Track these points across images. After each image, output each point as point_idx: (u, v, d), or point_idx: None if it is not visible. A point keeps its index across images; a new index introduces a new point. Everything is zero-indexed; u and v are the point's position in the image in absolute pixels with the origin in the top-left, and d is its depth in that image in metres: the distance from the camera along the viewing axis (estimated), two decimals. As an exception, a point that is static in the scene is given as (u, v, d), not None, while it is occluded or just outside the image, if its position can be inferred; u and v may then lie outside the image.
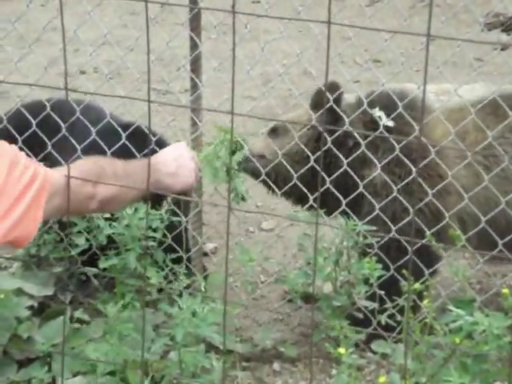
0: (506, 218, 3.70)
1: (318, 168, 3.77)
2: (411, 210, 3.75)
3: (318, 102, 3.90)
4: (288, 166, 3.86)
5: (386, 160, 3.79)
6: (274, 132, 4.01)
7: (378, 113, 3.83)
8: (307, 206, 3.94)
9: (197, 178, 3.09)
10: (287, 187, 3.91)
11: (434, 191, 3.69)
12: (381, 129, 3.76)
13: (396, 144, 3.72)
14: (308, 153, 3.83)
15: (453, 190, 3.76)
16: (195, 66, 4.03)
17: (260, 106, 5.96)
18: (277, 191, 3.98)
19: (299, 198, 3.99)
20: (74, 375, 3.30)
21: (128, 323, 3.19)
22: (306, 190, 3.89)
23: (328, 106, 3.78)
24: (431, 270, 3.75)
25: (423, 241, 3.53)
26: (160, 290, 3.72)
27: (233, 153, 3.73)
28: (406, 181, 3.77)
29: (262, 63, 6.91)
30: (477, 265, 3.87)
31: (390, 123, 3.80)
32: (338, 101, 3.83)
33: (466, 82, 4.00)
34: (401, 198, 3.76)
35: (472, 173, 3.74)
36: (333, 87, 3.82)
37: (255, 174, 3.98)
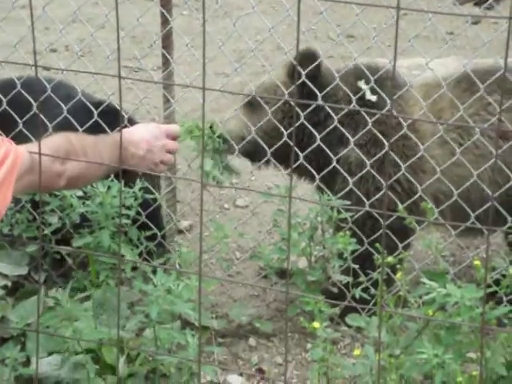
0: (480, 194, 3.72)
1: (291, 143, 3.76)
2: (384, 184, 3.76)
3: (293, 71, 3.84)
4: (264, 145, 3.84)
5: (356, 136, 3.77)
6: (249, 107, 3.95)
7: (363, 85, 3.80)
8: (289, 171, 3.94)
9: (168, 162, 3.01)
10: (263, 161, 3.89)
11: (404, 166, 3.70)
12: (353, 103, 3.76)
13: (371, 120, 3.72)
14: (282, 129, 3.81)
15: (428, 169, 3.76)
16: (167, 42, 4.00)
17: (233, 83, 5.94)
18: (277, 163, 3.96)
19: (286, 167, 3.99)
20: (49, 354, 3.30)
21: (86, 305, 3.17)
22: (280, 167, 3.90)
23: (303, 78, 3.72)
24: (404, 243, 3.77)
25: (396, 214, 3.55)
26: (134, 268, 3.71)
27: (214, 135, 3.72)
28: (377, 156, 3.77)
29: (235, 39, 6.88)
30: (450, 238, 3.90)
31: (374, 98, 3.77)
32: (316, 70, 3.76)
33: (439, 56, 4.00)
34: (377, 176, 3.76)
35: (448, 151, 3.74)
36: (310, 57, 3.75)
37: (243, 154, 3.94)
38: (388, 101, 3.70)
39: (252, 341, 3.84)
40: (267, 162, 3.94)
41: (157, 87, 4.22)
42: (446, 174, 3.71)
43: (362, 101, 3.77)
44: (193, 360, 3.08)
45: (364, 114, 3.72)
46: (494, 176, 3.70)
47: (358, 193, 3.78)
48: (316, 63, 3.74)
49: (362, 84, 3.77)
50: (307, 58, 3.74)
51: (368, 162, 3.73)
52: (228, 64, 6.54)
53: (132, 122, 3.95)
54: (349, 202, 3.73)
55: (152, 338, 3.20)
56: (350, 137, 3.76)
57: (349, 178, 3.77)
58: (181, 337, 3.17)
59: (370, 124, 3.72)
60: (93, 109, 3.91)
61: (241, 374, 3.63)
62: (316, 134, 3.79)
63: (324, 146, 3.79)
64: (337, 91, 3.81)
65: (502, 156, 3.69)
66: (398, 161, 3.69)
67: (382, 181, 3.75)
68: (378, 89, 3.72)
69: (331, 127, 3.78)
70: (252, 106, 3.93)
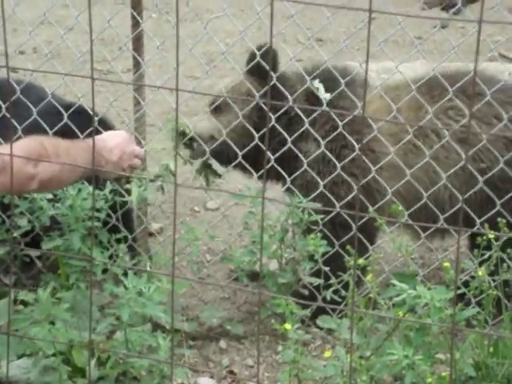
0: (435, 196, 3.75)
1: (261, 145, 3.78)
2: (355, 186, 3.78)
3: (253, 67, 3.87)
4: (233, 145, 3.86)
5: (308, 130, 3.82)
6: (217, 109, 3.98)
7: (316, 84, 3.85)
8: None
9: (136, 166, 3.16)
10: (235, 163, 3.90)
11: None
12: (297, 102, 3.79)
13: (335, 118, 3.77)
14: (251, 129, 3.82)
15: (385, 166, 3.79)
16: (137, 44, 4.00)
17: (203, 86, 5.94)
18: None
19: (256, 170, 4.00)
20: (19, 357, 3.27)
21: (63, 305, 3.14)
22: (249, 167, 3.90)
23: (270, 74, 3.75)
24: (374, 246, 3.80)
25: (368, 215, 3.58)
26: (105, 271, 3.69)
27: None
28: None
29: (205, 42, 6.87)
30: (418, 240, 3.93)
31: (327, 96, 3.83)
32: (273, 66, 3.81)
33: (407, 60, 4.04)
34: (345, 175, 3.79)
35: (402, 151, 3.78)
36: (267, 52, 3.78)
37: (213, 156, 3.95)
38: (346, 99, 3.77)
39: (223, 343, 3.84)
40: (236, 165, 3.96)
41: (127, 89, 4.21)
42: (400, 173, 3.74)
43: (317, 99, 3.82)
44: (164, 362, 3.07)
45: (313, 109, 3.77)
46: (465, 176, 3.74)
47: (326, 191, 3.81)
48: (273, 55, 3.80)
49: (315, 83, 3.84)
50: (266, 52, 3.80)
51: (334, 158, 3.77)
52: (198, 67, 6.54)
53: (104, 123, 3.94)
54: (319, 205, 3.75)
55: (123, 341, 3.19)
56: (317, 136, 3.80)
57: (319, 180, 3.79)
58: (152, 339, 3.16)
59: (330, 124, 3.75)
60: (63, 111, 3.89)
61: (212, 377, 3.62)
62: (286, 136, 3.81)
63: (294, 149, 3.81)
64: (293, 90, 3.86)
65: (457, 160, 3.74)
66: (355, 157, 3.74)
67: (341, 176, 3.77)
68: (345, 88, 3.77)
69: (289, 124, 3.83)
70: (219, 108, 3.95)
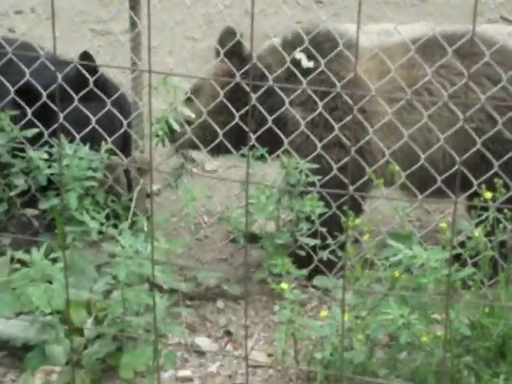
0: (430, 156, 3.73)
1: (242, 124, 3.77)
2: (347, 148, 3.77)
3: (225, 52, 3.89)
4: (215, 126, 3.86)
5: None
6: (195, 93, 3.98)
7: (298, 55, 3.83)
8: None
9: None
10: (216, 142, 3.90)
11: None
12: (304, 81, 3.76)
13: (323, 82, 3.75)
14: (232, 108, 3.81)
15: (376, 126, 3.77)
16: (134, 3, 3.96)
17: (201, 47, 5.90)
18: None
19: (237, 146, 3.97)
20: (17, 315, 3.29)
21: (59, 265, 3.14)
22: (230, 147, 3.89)
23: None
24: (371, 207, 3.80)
25: (364, 178, 3.57)
26: (101, 232, 3.69)
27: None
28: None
29: (204, 3, 6.82)
30: (414, 201, 3.93)
31: (311, 64, 3.80)
32: (238, 46, 3.87)
33: (407, 22, 4.01)
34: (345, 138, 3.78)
35: (396, 110, 3.75)
36: (231, 33, 3.87)
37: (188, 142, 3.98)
38: (333, 62, 3.75)
39: (220, 303, 3.86)
40: (221, 147, 3.95)
41: (124, 51, 4.17)
42: (393, 132, 3.73)
43: (299, 67, 3.80)
44: (160, 321, 3.08)
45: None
46: (460, 136, 3.72)
47: (325, 155, 3.80)
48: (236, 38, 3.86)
49: (297, 54, 3.82)
50: (229, 35, 3.87)
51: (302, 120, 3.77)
52: (197, 28, 6.50)
53: (105, 80, 3.93)
54: (317, 166, 3.75)
55: (120, 300, 3.20)
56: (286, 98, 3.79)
57: (317, 142, 3.78)
58: (149, 298, 3.17)
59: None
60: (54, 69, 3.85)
61: (209, 336, 3.64)
62: (265, 113, 3.79)
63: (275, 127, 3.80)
64: (269, 62, 3.86)
65: (450, 118, 3.72)
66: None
67: (332, 139, 3.76)
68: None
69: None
70: (195, 94, 3.95)
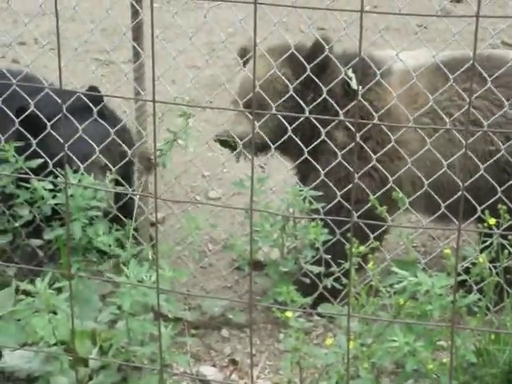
0: (452, 180, 3.76)
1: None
2: (355, 174, 3.78)
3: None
4: (270, 142, 3.92)
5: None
6: (250, 106, 3.94)
7: (350, 74, 3.87)
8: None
9: None
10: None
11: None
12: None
13: (362, 109, 3.79)
14: (287, 125, 3.87)
15: (403, 155, 3.80)
16: (137, 33, 3.98)
17: (204, 76, 5.93)
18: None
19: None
20: (21, 346, 3.28)
21: (63, 295, 3.13)
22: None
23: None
24: (376, 234, 3.79)
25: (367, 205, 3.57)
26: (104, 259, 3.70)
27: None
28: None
29: (207, 32, 6.87)
30: (421, 228, 3.93)
31: (357, 87, 3.85)
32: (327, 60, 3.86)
33: (409, 49, 4.04)
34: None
35: (420, 136, 3.78)
36: (321, 47, 3.86)
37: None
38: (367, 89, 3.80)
39: (225, 332, 3.85)
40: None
41: (127, 80, 4.20)
42: (419, 159, 3.75)
43: (346, 87, 3.87)
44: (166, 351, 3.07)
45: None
46: (465, 164, 3.74)
47: (330, 184, 3.81)
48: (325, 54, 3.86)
49: (349, 73, 3.86)
50: (319, 48, 3.87)
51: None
52: (199, 56, 6.53)
53: (107, 109, 3.95)
54: (320, 193, 3.75)
55: (125, 330, 3.19)
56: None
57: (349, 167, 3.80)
58: (154, 328, 3.16)
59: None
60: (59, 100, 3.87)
61: (214, 365, 3.63)
62: (321, 128, 3.82)
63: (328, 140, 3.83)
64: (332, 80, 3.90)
65: (472, 143, 3.74)
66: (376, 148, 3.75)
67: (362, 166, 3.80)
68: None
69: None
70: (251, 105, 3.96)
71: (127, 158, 3.98)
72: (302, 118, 3.82)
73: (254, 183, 1.98)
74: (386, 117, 3.78)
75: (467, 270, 3.27)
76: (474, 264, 3.19)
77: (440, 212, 3.76)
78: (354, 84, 3.85)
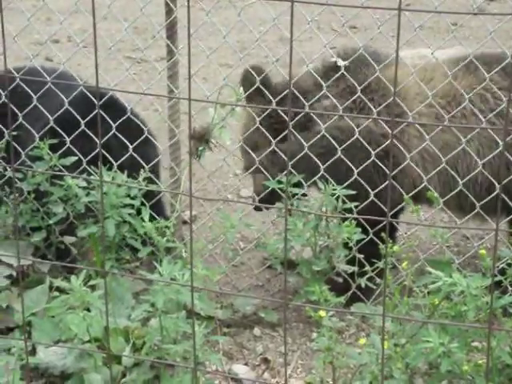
0: (467, 164, 3.72)
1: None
2: (387, 171, 3.75)
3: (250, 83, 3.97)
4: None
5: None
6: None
7: (335, 57, 3.92)
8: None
9: None
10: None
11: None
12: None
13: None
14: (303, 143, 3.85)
15: (413, 133, 3.77)
16: (171, 32, 3.99)
17: (236, 74, 5.92)
18: None
19: None
20: (55, 343, 3.30)
21: (97, 292, 3.14)
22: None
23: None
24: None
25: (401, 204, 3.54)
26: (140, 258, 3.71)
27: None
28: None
29: (238, 30, 6.87)
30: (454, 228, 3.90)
31: (343, 63, 3.86)
32: (267, 83, 3.94)
33: (443, 47, 4.01)
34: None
35: (433, 113, 3.75)
36: (257, 70, 3.95)
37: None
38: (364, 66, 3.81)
39: (257, 331, 3.84)
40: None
41: (160, 78, 4.21)
42: (433, 139, 3.72)
43: (334, 70, 3.88)
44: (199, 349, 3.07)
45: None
46: (501, 162, 3.70)
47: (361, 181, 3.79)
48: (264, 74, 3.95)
49: (334, 57, 3.92)
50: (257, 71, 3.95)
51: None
52: (231, 55, 6.54)
53: (134, 114, 3.96)
54: (354, 192, 3.73)
55: (157, 328, 3.20)
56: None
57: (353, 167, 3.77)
58: (186, 326, 3.16)
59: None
60: (94, 100, 3.88)
61: (246, 364, 3.63)
62: (320, 123, 3.81)
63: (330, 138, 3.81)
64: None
65: (493, 135, 3.70)
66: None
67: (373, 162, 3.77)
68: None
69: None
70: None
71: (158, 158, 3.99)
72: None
73: (288, 182, 1.98)
74: (400, 98, 3.75)
75: (502, 271, 3.24)
76: (509, 265, 3.16)
77: (475, 211, 3.72)
78: (340, 62, 3.88)
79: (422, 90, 3.73)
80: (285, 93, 3.87)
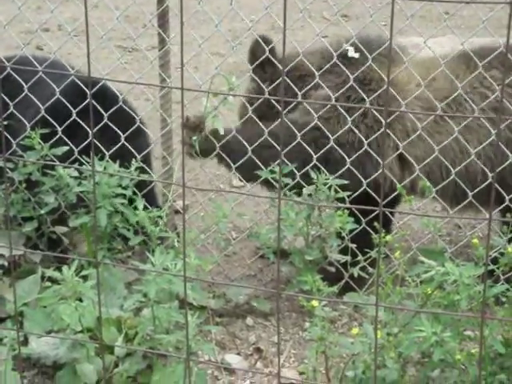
0: (466, 167, 3.72)
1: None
2: (380, 161, 3.75)
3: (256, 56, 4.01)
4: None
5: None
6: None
7: (348, 46, 3.90)
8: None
9: None
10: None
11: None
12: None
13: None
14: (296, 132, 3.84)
15: (413, 136, 3.77)
16: (162, 21, 3.97)
17: (228, 63, 5.90)
18: None
19: None
20: (47, 333, 3.29)
21: (89, 283, 3.13)
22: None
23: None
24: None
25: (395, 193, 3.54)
26: (131, 248, 3.70)
27: None
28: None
29: (230, 19, 6.84)
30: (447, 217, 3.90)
31: (356, 55, 3.84)
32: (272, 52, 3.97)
33: (435, 36, 3.99)
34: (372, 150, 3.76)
35: (432, 119, 3.74)
36: (266, 41, 3.98)
37: None
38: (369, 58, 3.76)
39: (249, 320, 3.84)
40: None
41: (152, 67, 4.19)
42: (426, 142, 3.72)
43: (344, 58, 3.86)
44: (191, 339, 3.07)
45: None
46: (493, 151, 3.70)
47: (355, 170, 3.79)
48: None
49: (347, 45, 3.90)
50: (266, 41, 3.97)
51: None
52: (223, 43, 6.51)
53: (125, 103, 3.94)
54: (346, 182, 3.73)
55: (150, 318, 3.19)
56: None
57: (346, 157, 3.77)
58: (179, 316, 3.16)
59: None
60: (86, 89, 3.86)
61: (238, 353, 3.63)
62: (314, 113, 3.79)
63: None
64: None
65: (490, 129, 3.70)
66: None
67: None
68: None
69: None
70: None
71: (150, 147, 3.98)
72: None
73: (280, 171, 1.97)
74: (396, 92, 3.75)
75: (495, 260, 3.24)
76: (501, 254, 3.16)
77: (466, 201, 3.73)
78: (351, 53, 3.87)
79: (422, 92, 3.72)
80: (290, 66, 3.88)
